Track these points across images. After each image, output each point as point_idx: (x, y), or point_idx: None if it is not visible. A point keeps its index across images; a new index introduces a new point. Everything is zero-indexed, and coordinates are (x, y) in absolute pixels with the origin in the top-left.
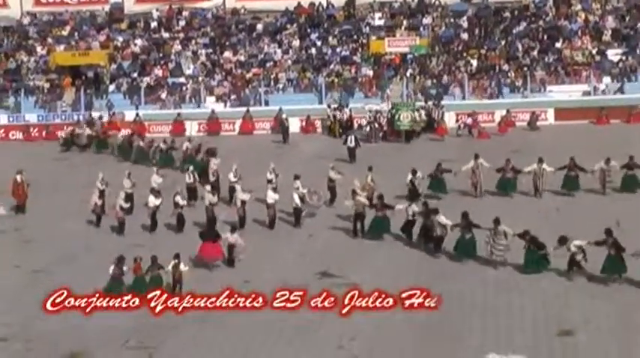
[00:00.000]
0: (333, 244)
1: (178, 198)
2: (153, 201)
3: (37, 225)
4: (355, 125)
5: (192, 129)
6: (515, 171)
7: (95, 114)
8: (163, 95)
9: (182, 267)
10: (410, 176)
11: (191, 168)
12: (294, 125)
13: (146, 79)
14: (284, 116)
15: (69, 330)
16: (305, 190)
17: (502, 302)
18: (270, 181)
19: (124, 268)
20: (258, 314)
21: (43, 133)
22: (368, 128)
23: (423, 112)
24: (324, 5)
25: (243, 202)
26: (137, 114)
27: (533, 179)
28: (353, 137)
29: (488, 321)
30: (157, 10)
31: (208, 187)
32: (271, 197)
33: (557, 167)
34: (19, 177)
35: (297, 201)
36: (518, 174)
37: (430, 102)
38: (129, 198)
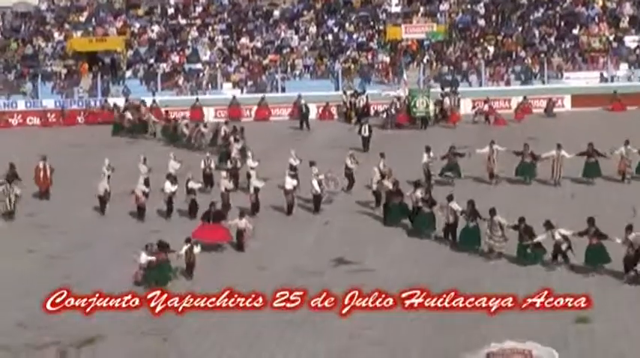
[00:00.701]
0: (350, 231)
1: (192, 184)
2: (169, 186)
3: (52, 210)
4: (372, 111)
5: (209, 115)
6: (533, 157)
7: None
8: (180, 81)
9: (195, 249)
10: (425, 156)
11: (208, 154)
12: (312, 112)
13: (163, 65)
14: (303, 102)
15: (83, 316)
16: (322, 176)
17: (515, 289)
18: (294, 167)
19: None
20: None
21: (60, 119)
22: (385, 115)
23: (447, 100)
24: None
25: (257, 189)
26: (154, 101)
27: (552, 165)
28: (367, 126)
29: (505, 309)
30: None
31: (224, 173)
32: (289, 183)
33: (576, 153)
34: (41, 164)
35: (317, 187)
36: (537, 159)
37: (447, 89)
38: (146, 183)
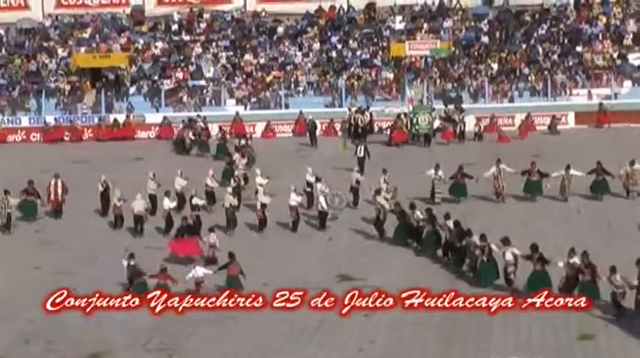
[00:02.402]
0: (354, 247)
1: (195, 200)
2: (167, 203)
3: (58, 226)
4: (376, 128)
5: (212, 131)
6: (541, 175)
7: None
8: (184, 98)
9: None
10: (432, 171)
11: (211, 172)
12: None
13: (167, 82)
14: (310, 117)
15: (90, 330)
16: (328, 192)
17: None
18: (310, 184)
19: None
20: (278, 315)
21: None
22: (388, 131)
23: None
24: (345, 8)
25: (264, 205)
26: (237, 113)
27: (561, 183)
28: (362, 147)
29: (509, 324)
30: (178, 12)
31: (229, 189)
32: (294, 199)
33: (585, 172)
34: (53, 181)
35: (323, 203)
36: (545, 177)
37: (451, 106)
38: (152, 199)
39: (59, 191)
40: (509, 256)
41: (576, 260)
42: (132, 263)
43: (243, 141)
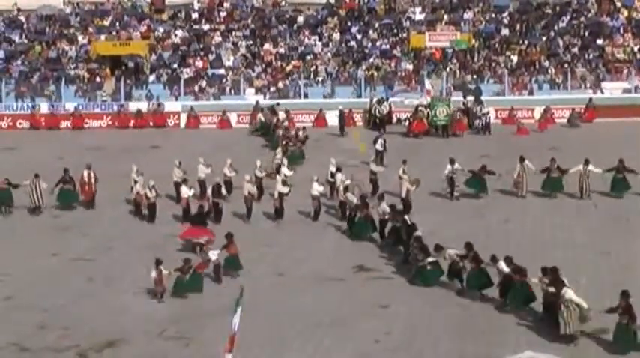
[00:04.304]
0: (371, 237)
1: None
2: (186, 191)
3: (75, 212)
4: (394, 119)
5: (232, 120)
6: (561, 171)
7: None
8: (203, 86)
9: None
10: (449, 166)
11: (229, 161)
12: (334, 119)
13: (186, 70)
14: (341, 107)
15: (106, 318)
16: (348, 182)
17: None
18: (333, 174)
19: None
20: (294, 306)
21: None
22: (407, 122)
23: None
24: None
25: (281, 194)
26: (257, 102)
27: (579, 180)
28: (382, 140)
29: (522, 318)
30: (198, 1)
31: (247, 177)
32: (316, 189)
33: (605, 169)
34: (86, 173)
35: (344, 193)
36: (564, 173)
37: (470, 98)
38: (177, 187)
39: (92, 181)
40: (451, 252)
41: (502, 265)
42: (161, 268)
43: (302, 133)
